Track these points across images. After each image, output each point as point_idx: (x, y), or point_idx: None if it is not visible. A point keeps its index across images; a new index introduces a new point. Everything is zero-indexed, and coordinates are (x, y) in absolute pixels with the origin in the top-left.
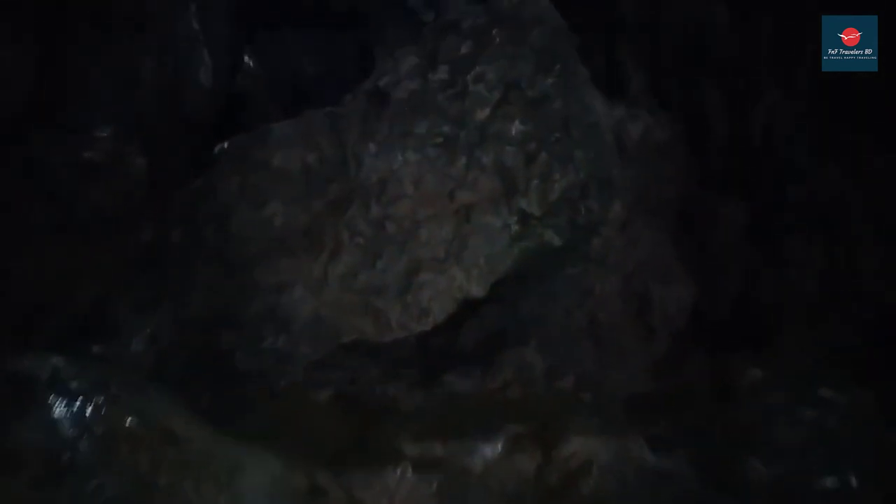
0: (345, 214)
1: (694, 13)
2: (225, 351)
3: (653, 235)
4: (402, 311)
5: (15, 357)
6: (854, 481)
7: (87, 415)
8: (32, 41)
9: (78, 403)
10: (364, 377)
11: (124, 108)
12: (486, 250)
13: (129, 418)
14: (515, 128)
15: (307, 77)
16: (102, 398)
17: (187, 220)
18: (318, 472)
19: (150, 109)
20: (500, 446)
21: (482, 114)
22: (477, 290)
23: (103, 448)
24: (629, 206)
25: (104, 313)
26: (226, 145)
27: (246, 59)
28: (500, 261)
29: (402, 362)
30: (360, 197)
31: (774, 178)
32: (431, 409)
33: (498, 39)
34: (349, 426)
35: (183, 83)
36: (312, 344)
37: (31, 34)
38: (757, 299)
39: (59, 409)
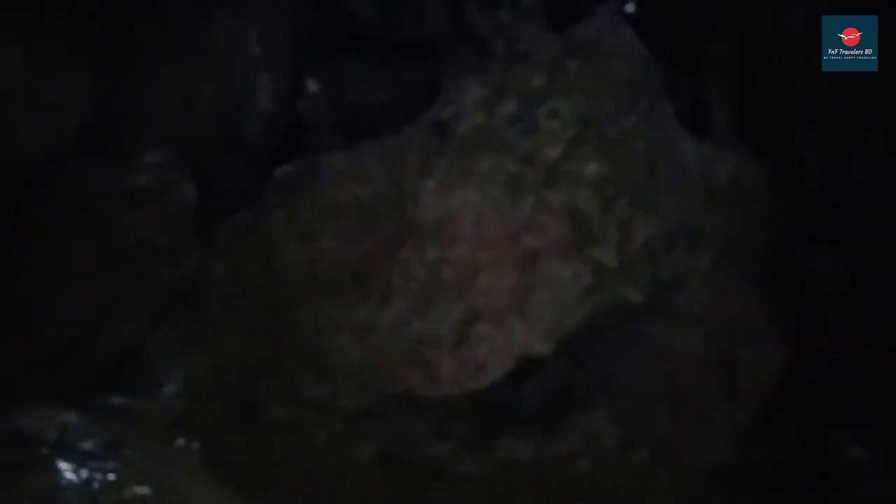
0: (398, 256)
1: (792, 47)
2: (260, 399)
3: (740, 290)
4: (456, 364)
5: (20, 411)
6: None
7: (95, 482)
8: (88, 67)
9: (86, 469)
10: (410, 434)
11: (178, 132)
12: (553, 303)
13: (142, 487)
14: (591, 169)
15: (372, 105)
16: (114, 463)
17: (231, 255)
18: None
19: (205, 134)
20: None
21: (553, 152)
22: (540, 347)
23: None
24: (715, 258)
25: (137, 353)
26: (275, 176)
27: (309, 84)
28: (569, 316)
29: (454, 420)
30: (415, 237)
31: (878, 229)
32: (484, 476)
33: (574, 72)
34: (391, 490)
35: (242, 108)
36: (356, 395)
37: (87, 60)
38: (858, 364)
39: (63, 475)
